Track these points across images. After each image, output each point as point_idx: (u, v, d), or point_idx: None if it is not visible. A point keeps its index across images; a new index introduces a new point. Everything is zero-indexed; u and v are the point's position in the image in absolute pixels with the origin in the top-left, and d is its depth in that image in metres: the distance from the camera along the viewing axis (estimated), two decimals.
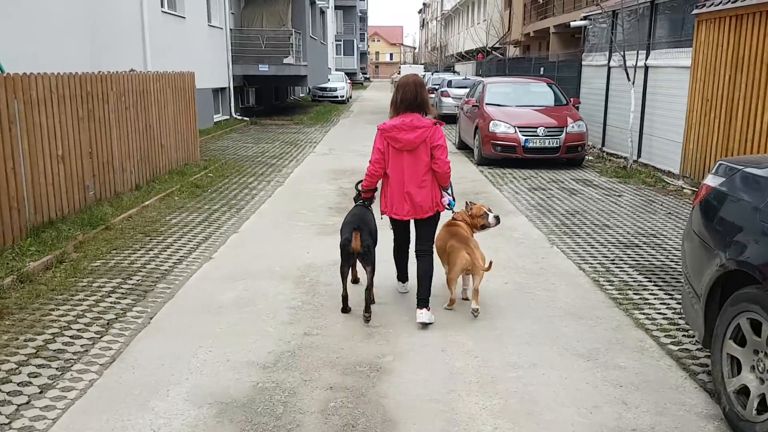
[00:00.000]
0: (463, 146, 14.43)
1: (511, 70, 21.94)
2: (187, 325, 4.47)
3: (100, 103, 7.80)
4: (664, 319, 4.63)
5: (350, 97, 38.26)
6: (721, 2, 8.61)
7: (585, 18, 14.41)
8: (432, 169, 4.43)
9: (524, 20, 30.61)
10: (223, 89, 20.54)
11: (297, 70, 21.64)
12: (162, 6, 14.88)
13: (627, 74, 10.97)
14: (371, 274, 4.54)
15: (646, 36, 11.12)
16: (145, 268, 5.72)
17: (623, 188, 9.76)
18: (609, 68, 13.15)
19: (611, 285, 5.36)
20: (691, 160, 9.39)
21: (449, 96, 21.58)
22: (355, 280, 5.19)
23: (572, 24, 15.01)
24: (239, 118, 21.14)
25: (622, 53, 10.99)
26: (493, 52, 36.26)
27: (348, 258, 4.57)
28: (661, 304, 4.93)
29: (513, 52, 34.69)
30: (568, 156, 11.55)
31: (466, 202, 5.22)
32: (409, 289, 5.06)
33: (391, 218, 4.64)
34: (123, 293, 5.06)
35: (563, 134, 11.40)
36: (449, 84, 22.19)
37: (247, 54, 21.15)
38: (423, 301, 4.48)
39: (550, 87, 13.05)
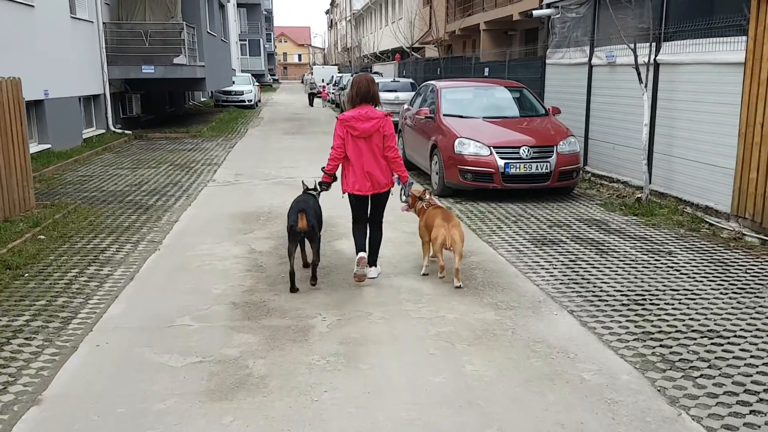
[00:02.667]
0: (408, 165, 11.24)
1: (448, 73, 19.06)
2: None
3: None
4: None
5: (259, 101, 34.33)
6: None
7: (550, 5, 11.64)
8: (384, 154, 5.23)
9: (447, 17, 27.97)
10: (96, 97, 16.37)
11: (192, 71, 17.77)
12: None
13: (639, 75, 8.17)
14: (317, 248, 5.25)
15: (658, 23, 8.36)
16: None
17: (659, 236, 6.89)
18: (591, 67, 10.40)
19: None
20: (755, 194, 6.65)
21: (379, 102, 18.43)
22: (305, 265, 5.61)
23: (535, 13, 12.22)
24: (119, 131, 17.03)
25: (631, 46, 8.17)
26: (413, 53, 33.56)
27: (295, 238, 5.14)
28: None
29: (432, 52, 32.03)
30: (560, 184, 8.63)
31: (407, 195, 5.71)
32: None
33: (352, 195, 5.37)
34: None
35: (554, 156, 8.45)
36: None
37: (127, 53, 17.08)
38: (373, 261, 5.51)
39: (522, 92, 10.13)
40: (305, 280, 5.34)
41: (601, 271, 5.68)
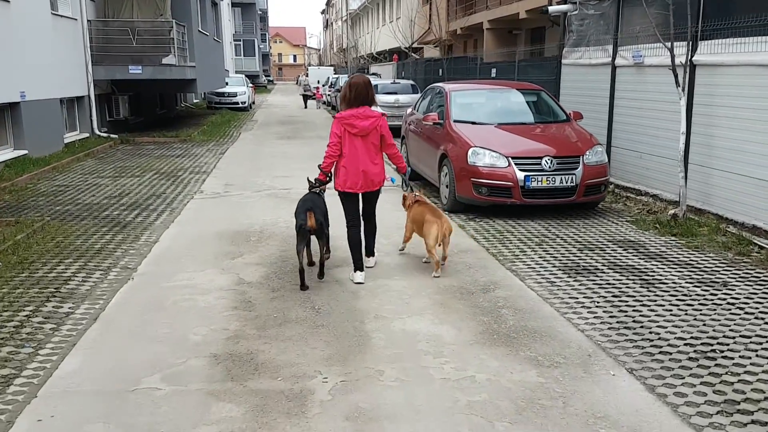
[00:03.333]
0: (414, 176, 10.37)
1: (450, 74, 18.18)
2: None
3: None
4: None
5: (253, 103, 33.41)
6: None
7: (567, 1, 10.76)
8: (381, 151, 5.41)
9: (448, 16, 27.11)
10: (79, 99, 15.43)
11: (181, 72, 16.83)
12: None
13: (675, 78, 7.30)
14: (326, 245, 5.54)
15: (695, 20, 7.51)
16: None
17: (706, 262, 6.02)
18: (614, 67, 9.53)
19: None
20: None
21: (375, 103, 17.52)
22: (311, 263, 5.69)
23: (551, 9, 11.35)
24: (104, 135, 16.09)
25: (667, 45, 7.30)
26: (412, 54, 32.72)
27: (304, 237, 5.23)
28: None
29: (432, 53, 31.18)
30: (586, 199, 7.76)
31: (411, 187, 6.09)
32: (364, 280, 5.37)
33: (344, 194, 5.39)
34: None
35: (580, 167, 7.59)
36: (374, 89, 18.10)
37: (113, 52, 16.13)
38: (369, 251, 5.71)
39: (539, 96, 9.25)
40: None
41: (652, 310, 4.81)
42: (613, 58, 9.49)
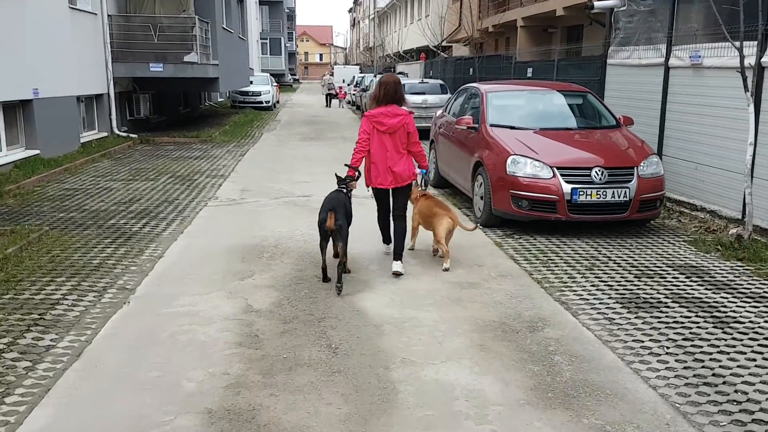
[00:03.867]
0: (443, 183, 9.64)
1: (482, 73, 17.37)
2: None
3: None
4: None
5: (277, 102, 32.96)
6: None
7: None
8: (407, 149, 5.58)
9: (480, 13, 26.25)
10: (99, 96, 14.98)
11: (203, 70, 16.28)
12: None
13: (744, 81, 6.43)
14: (344, 249, 5.31)
15: (765, 17, 6.61)
16: None
17: None
18: (667, 69, 8.66)
19: None
20: None
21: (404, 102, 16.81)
22: (336, 255, 5.53)
23: (597, 5, 10.48)
24: (124, 135, 15.62)
25: (736, 44, 6.43)
26: (440, 52, 31.95)
27: (325, 234, 5.22)
28: None
29: (461, 51, 30.30)
30: (640, 216, 6.92)
31: (426, 184, 6.36)
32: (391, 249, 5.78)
33: (375, 190, 5.70)
34: None
35: (634, 180, 6.76)
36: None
37: (134, 49, 15.67)
38: (398, 255, 5.59)
39: (585, 98, 8.43)
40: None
41: (733, 359, 4.00)
42: (667, 59, 8.62)
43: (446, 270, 5.60)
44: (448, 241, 5.74)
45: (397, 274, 5.46)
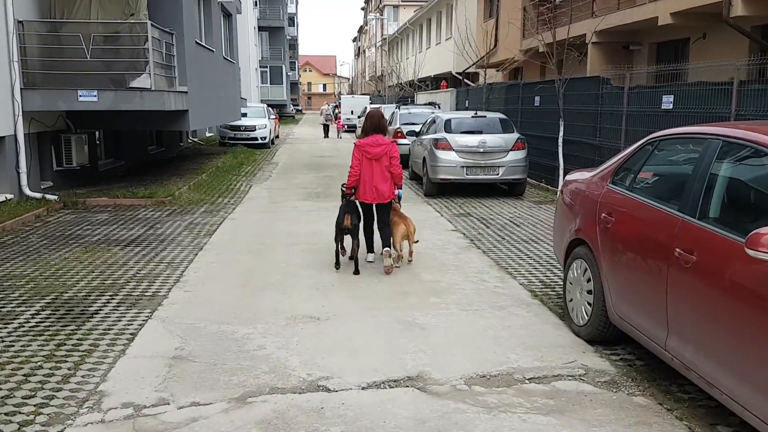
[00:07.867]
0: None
1: (551, 103, 12.20)
2: None
3: None
4: None
5: (276, 137, 27.92)
6: None
7: None
8: (389, 171, 6.75)
9: (524, 30, 21.29)
10: (0, 140, 9.88)
11: (159, 101, 11.09)
12: None
13: None
14: (357, 245, 6.72)
15: None
16: None
17: None
18: None
19: None
20: None
21: (451, 149, 11.53)
22: (352, 258, 6.81)
23: None
24: (38, 196, 10.46)
25: None
26: (465, 80, 27.13)
27: (340, 232, 6.64)
28: None
29: (494, 76, 25.29)
30: None
31: (398, 200, 7.17)
32: (374, 260, 7.01)
33: (362, 203, 6.87)
34: None
35: None
36: (447, 127, 12.09)
37: (58, 69, 10.63)
38: (387, 243, 6.72)
39: None
40: None
41: None
42: None
43: (397, 267, 6.79)
44: (411, 245, 6.99)
45: (389, 254, 6.63)
